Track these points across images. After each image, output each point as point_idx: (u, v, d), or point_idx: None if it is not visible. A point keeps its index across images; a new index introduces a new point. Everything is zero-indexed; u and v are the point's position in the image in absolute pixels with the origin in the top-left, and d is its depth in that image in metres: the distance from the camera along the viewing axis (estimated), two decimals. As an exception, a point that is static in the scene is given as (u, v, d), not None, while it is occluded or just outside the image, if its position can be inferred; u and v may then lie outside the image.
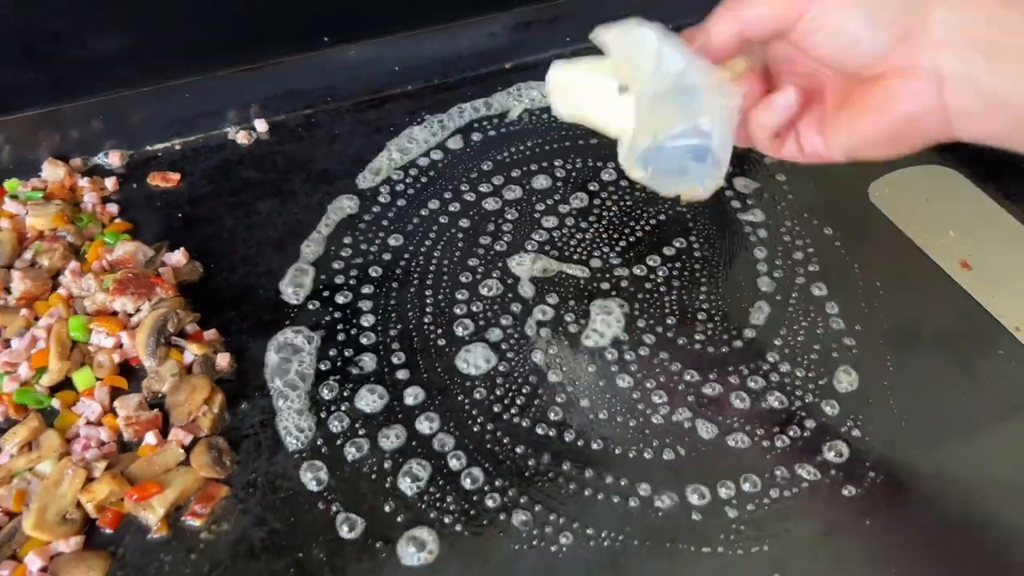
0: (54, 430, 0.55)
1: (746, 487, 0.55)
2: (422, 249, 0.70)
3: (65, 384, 0.59)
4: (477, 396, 0.60)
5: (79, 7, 0.75)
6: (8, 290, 0.63)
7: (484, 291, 0.67)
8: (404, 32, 0.83)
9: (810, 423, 0.59)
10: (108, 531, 0.52)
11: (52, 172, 0.73)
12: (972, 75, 0.42)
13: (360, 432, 0.57)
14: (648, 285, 0.68)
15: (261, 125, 0.80)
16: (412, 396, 0.59)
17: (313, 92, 0.82)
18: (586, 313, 0.65)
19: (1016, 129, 0.43)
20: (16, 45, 0.75)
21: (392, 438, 0.57)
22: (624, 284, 0.68)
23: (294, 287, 0.66)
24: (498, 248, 0.70)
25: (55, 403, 0.57)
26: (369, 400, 0.59)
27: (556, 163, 0.78)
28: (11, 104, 0.77)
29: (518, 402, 0.59)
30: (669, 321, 0.65)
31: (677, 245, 0.71)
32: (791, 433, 0.58)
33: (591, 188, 0.76)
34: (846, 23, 0.43)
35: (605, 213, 0.74)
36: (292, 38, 0.81)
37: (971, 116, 0.43)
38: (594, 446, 0.57)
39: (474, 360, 0.62)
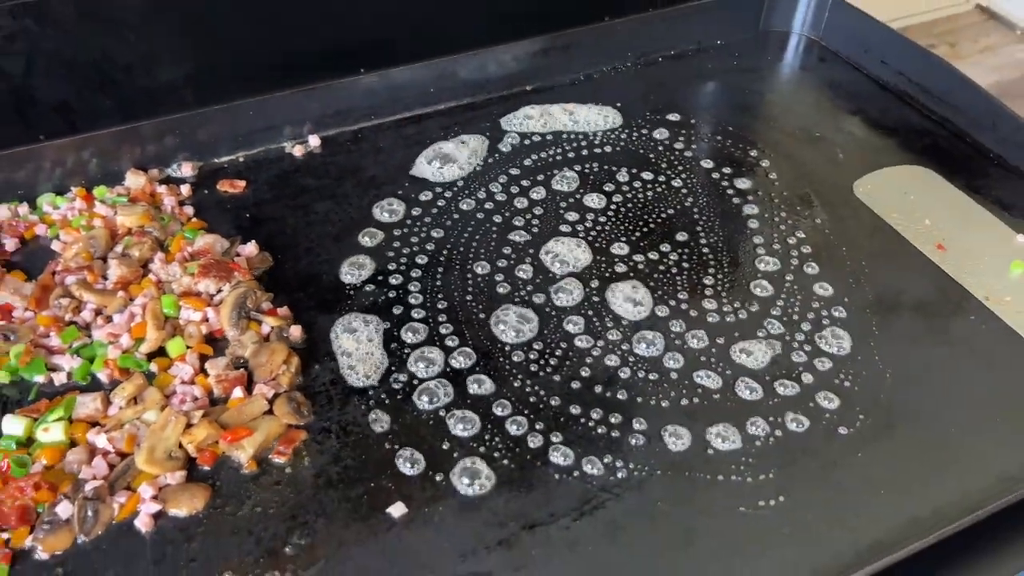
0: (155, 387, 0.64)
1: (752, 429, 0.64)
2: (462, 240, 0.80)
3: (160, 353, 0.68)
4: (516, 358, 0.69)
5: (147, 43, 0.86)
6: (105, 277, 0.73)
7: (519, 274, 0.76)
8: (438, 58, 0.94)
9: (807, 377, 0.68)
10: (206, 468, 0.61)
11: (134, 180, 0.83)
12: None
13: (417, 388, 0.66)
14: (661, 268, 0.77)
15: (314, 140, 0.90)
16: (460, 359, 0.68)
17: (359, 111, 0.92)
18: (609, 291, 0.74)
19: None
20: (95, 75, 0.86)
21: (442, 396, 0.66)
22: (640, 267, 0.77)
23: (352, 273, 0.76)
24: (528, 238, 0.80)
25: (153, 367, 0.66)
26: (423, 361, 0.68)
27: (575, 168, 0.88)
28: (90, 126, 0.87)
29: (552, 363, 0.68)
30: (681, 296, 0.74)
31: (685, 235, 0.81)
32: (791, 385, 0.67)
33: (607, 188, 0.86)
34: None
35: (621, 209, 0.83)
36: (338, 66, 0.93)
37: None
38: (620, 396, 0.66)
39: (512, 329, 0.71)
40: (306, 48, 0.91)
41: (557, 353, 0.69)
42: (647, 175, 0.88)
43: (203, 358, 0.67)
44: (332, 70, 0.92)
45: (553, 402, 0.65)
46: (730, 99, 1.00)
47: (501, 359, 0.69)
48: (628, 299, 0.74)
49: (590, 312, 0.73)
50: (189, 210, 0.81)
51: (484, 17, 0.98)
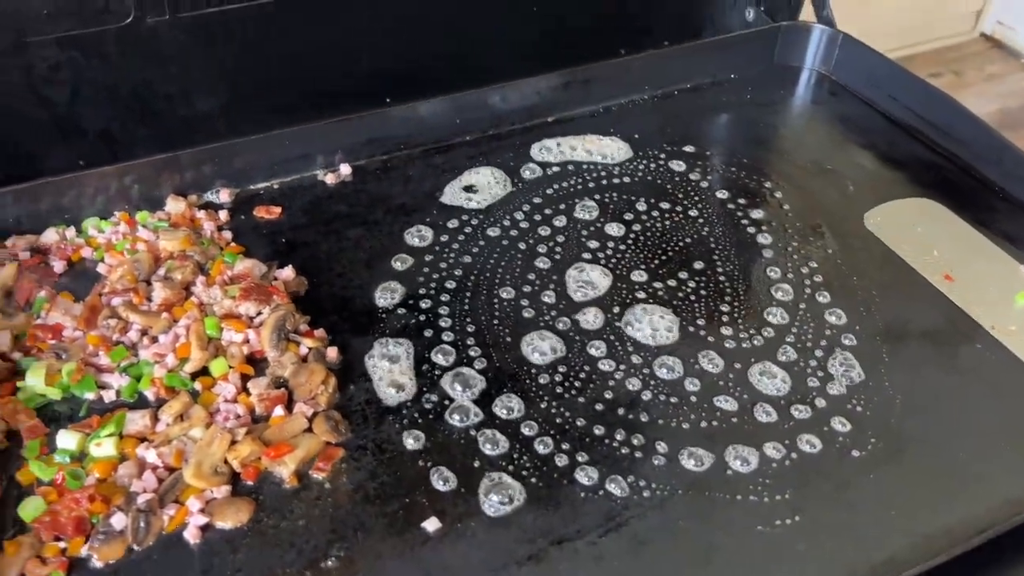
0: (199, 405, 0.68)
1: (769, 451, 0.67)
2: (488, 265, 0.83)
3: (203, 372, 0.71)
4: (542, 380, 0.72)
5: (187, 75, 0.90)
6: (149, 299, 0.76)
7: (544, 299, 0.80)
8: (464, 91, 0.98)
9: (820, 402, 0.71)
10: (249, 483, 0.64)
11: (175, 206, 0.87)
12: None
13: (448, 408, 0.69)
14: (680, 295, 0.80)
15: (346, 168, 0.94)
16: (488, 380, 0.72)
17: (389, 140, 0.96)
18: (630, 316, 0.78)
19: None
20: (137, 105, 0.90)
21: (472, 415, 0.69)
22: (660, 294, 0.80)
23: (384, 297, 0.79)
24: (551, 265, 0.83)
25: (197, 386, 0.70)
26: (453, 382, 0.71)
27: (595, 197, 0.92)
28: (131, 154, 0.91)
29: (576, 385, 0.72)
30: (700, 322, 0.78)
31: (702, 263, 0.84)
32: (805, 409, 0.70)
33: (626, 217, 0.89)
34: None
35: (640, 237, 0.87)
36: (368, 97, 0.97)
37: None
38: (642, 418, 0.69)
39: (538, 352, 0.74)
40: (337, 80, 0.96)
41: (581, 376, 0.72)
42: (664, 205, 0.91)
43: (244, 377, 0.71)
44: (362, 102, 0.96)
45: (579, 423, 0.68)
46: (744, 132, 1.04)
47: (528, 381, 0.72)
48: (648, 325, 0.77)
49: (612, 337, 0.76)
50: (227, 235, 0.85)
51: (508, 52, 1.02)
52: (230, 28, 0.89)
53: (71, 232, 0.84)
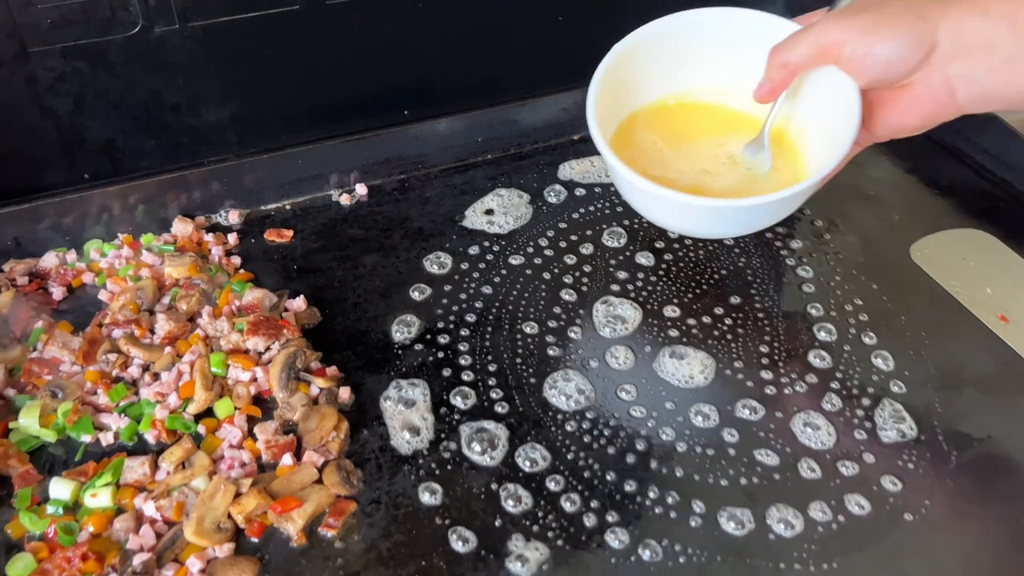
0: (203, 451, 0.63)
1: (814, 512, 0.62)
2: (511, 297, 0.78)
3: (207, 414, 0.67)
4: (569, 428, 0.67)
5: (196, 85, 0.86)
6: (152, 331, 0.72)
7: (571, 335, 0.75)
8: (486, 108, 0.93)
9: (868, 457, 0.66)
10: (254, 540, 0.59)
11: (181, 228, 0.83)
12: (974, 77, 0.58)
13: (467, 458, 0.65)
14: (715, 333, 0.75)
15: (361, 188, 0.89)
16: (511, 427, 0.67)
17: (406, 159, 0.92)
18: (662, 357, 0.73)
19: (1013, 107, 0.60)
20: (143, 116, 0.86)
21: (496, 464, 0.64)
22: (694, 332, 0.75)
23: (400, 330, 0.75)
24: (578, 297, 0.78)
25: (200, 429, 0.65)
26: (473, 429, 0.66)
27: (624, 222, 0.87)
28: (135, 167, 0.87)
29: (606, 433, 0.67)
30: (737, 364, 0.72)
31: (739, 298, 0.79)
32: (852, 465, 0.65)
33: (657, 246, 0.84)
34: (886, 51, 0.58)
35: (672, 268, 0.82)
36: (385, 113, 0.92)
37: (978, 105, 0.60)
38: (677, 473, 0.64)
39: (564, 396, 0.69)
40: (353, 94, 0.91)
41: (611, 423, 0.68)
42: (698, 232, 0.86)
43: (251, 419, 0.66)
44: (378, 116, 0.92)
45: (608, 477, 0.64)
46: (781, 153, 0.98)
47: (553, 428, 0.67)
48: (682, 366, 0.72)
49: (643, 379, 0.71)
50: (236, 260, 0.81)
51: (532, 67, 0.97)
52: (241, 39, 0.85)
53: (72, 255, 0.80)
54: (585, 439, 0.66)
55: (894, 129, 0.64)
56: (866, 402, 0.70)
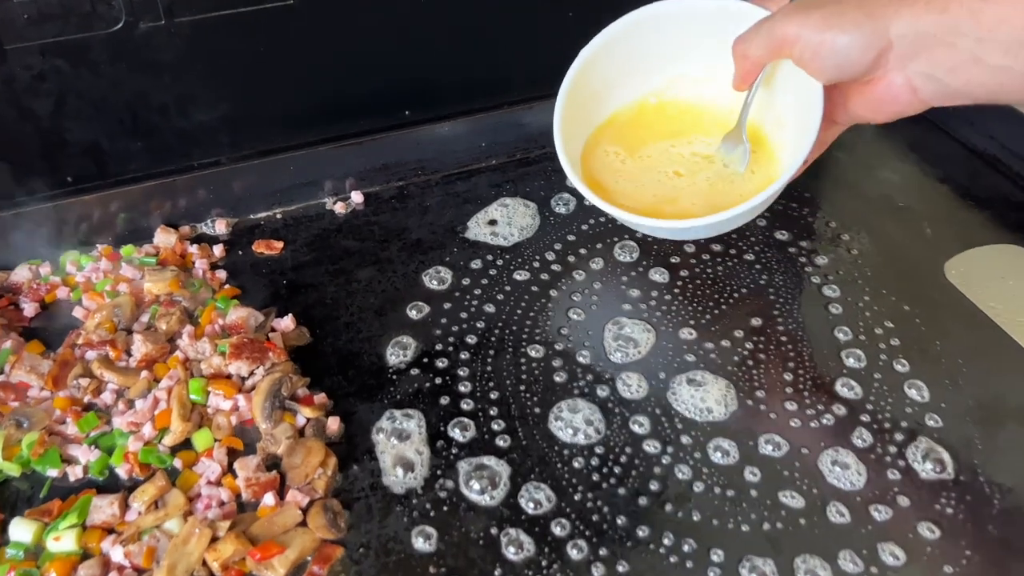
0: (178, 489, 0.58)
1: (844, 562, 0.56)
2: (515, 317, 0.73)
3: (184, 444, 0.62)
4: (576, 465, 0.62)
5: (184, 85, 0.80)
6: (129, 352, 0.67)
7: (579, 359, 0.69)
8: (491, 110, 0.88)
9: (902, 500, 0.60)
10: (231, 589, 0.54)
11: (164, 239, 0.78)
12: (935, 76, 0.55)
13: (466, 498, 0.59)
14: (735, 359, 0.70)
15: (357, 196, 0.84)
16: (513, 463, 0.62)
17: (405, 166, 0.86)
18: (678, 384, 0.67)
19: (982, 102, 0.56)
20: (129, 118, 0.81)
21: (496, 504, 0.59)
22: (712, 357, 0.70)
23: (396, 353, 0.69)
24: (587, 317, 0.73)
25: (177, 463, 0.60)
26: (472, 466, 0.61)
27: (636, 235, 0.81)
28: (122, 170, 0.82)
29: (616, 471, 0.61)
30: (759, 394, 0.67)
31: (760, 320, 0.73)
32: (885, 510, 0.59)
33: (672, 261, 0.79)
34: (834, 53, 0.56)
35: (688, 286, 0.76)
36: (383, 115, 0.87)
37: (944, 102, 0.57)
38: (694, 517, 0.59)
39: (572, 429, 0.64)
40: (350, 95, 0.86)
41: (622, 460, 0.62)
42: (716, 246, 0.80)
43: (232, 452, 0.61)
44: (377, 118, 0.86)
45: (619, 521, 0.58)
46: (804, 160, 0.92)
47: (559, 465, 0.62)
48: (700, 395, 0.66)
49: (657, 410, 0.66)
50: (222, 274, 0.76)
51: (540, 66, 0.91)
52: (232, 35, 0.79)
53: (46, 269, 0.75)
54: (594, 478, 0.61)
55: (865, 119, 0.63)
56: (899, 437, 0.64)
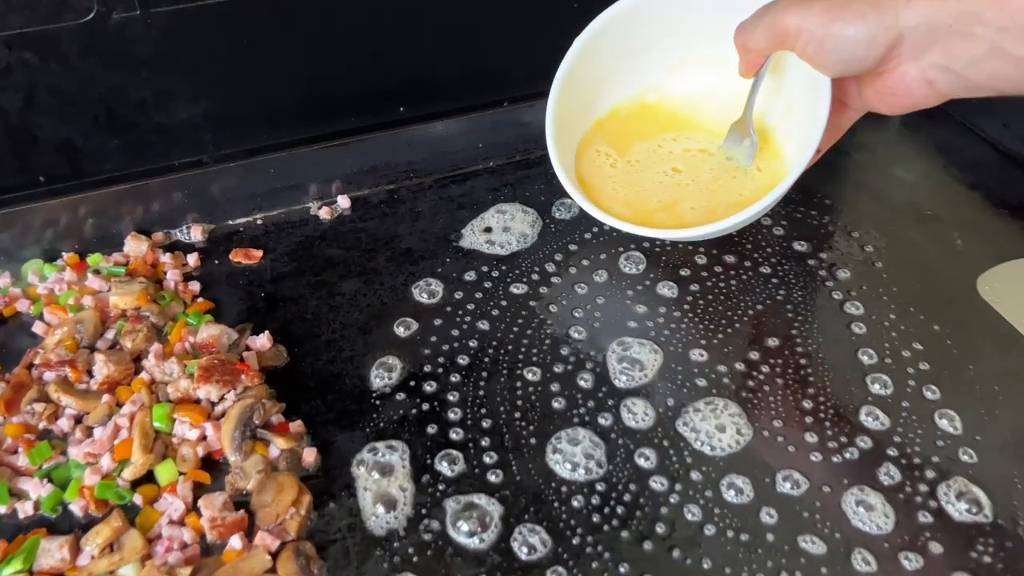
0: (136, 530, 0.53)
1: (871, 618, 0.51)
2: (510, 335, 0.67)
3: (147, 476, 0.57)
4: (575, 504, 0.56)
5: (163, 79, 0.75)
6: (90, 373, 0.62)
7: (580, 383, 0.64)
8: (489, 108, 0.82)
9: (935, 547, 0.54)
10: (191, 645, 0.49)
11: (135, 247, 0.72)
12: (953, 70, 0.51)
13: (453, 541, 0.54)
14: (751, 384, 0.64)
15: (343, 201, 0.79)
16: (505, 502, 0.56)
17: (396, 167, 0.81)
18: (688, 413, 0.62)
19: (1005, 94, 0.52)
20: (104, 114, 0.75)
21: (486, 548, 0.54)
22: (725, 382, 0.64)
23: (380, 376, 0.64)
24: (588, 336, 0.67)
25: (137, 498, 0.55)
26: (460, 505, 0.56)
27: (644, 245, 0.75)
28: (98, 169, 0.77)
29: (619, 512, 0.56)
30: (776, 424, 0.61)
31: (777, 340, 0.67)
32: (915, 558, 0.54)
33: (682, 274, 0.73)
34: (838, 48, 0.53)
35: (699, 301, 0.71)
36: (375, 113, 0.81)
37: (963, 94, 0.53)
38: (705, 565, 0.53)
39: (570, 463, 0.58)
40: (339, 91, 0.80)
41: (626, 499, 0.57)
42: (729, 258, 0.75)
43: (198, 486, 0.56)
44: (369, 115, 0.80)
45: (622, 570, 0.53)
46: (824, 164, 0.86)
47: (557, 504, 0.56)
48: (711, 425, 0.61)
49: (665, 442, 0.60)
50: (195, 286, 0.70)
51: (542, 61, 0.85)
52: (212, 27, 0.74)
53: (5, 279, 0.69)
54: (594, 519, 0.55)
55: (879, 111, 0.59)
56: (930, 474, 0.58)
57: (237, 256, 0.73)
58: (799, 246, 0.76)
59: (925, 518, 0.56)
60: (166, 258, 0.72)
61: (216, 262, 0.73)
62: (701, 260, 0.74)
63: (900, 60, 0.53)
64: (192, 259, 0.72)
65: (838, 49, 0.53)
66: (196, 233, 0.75)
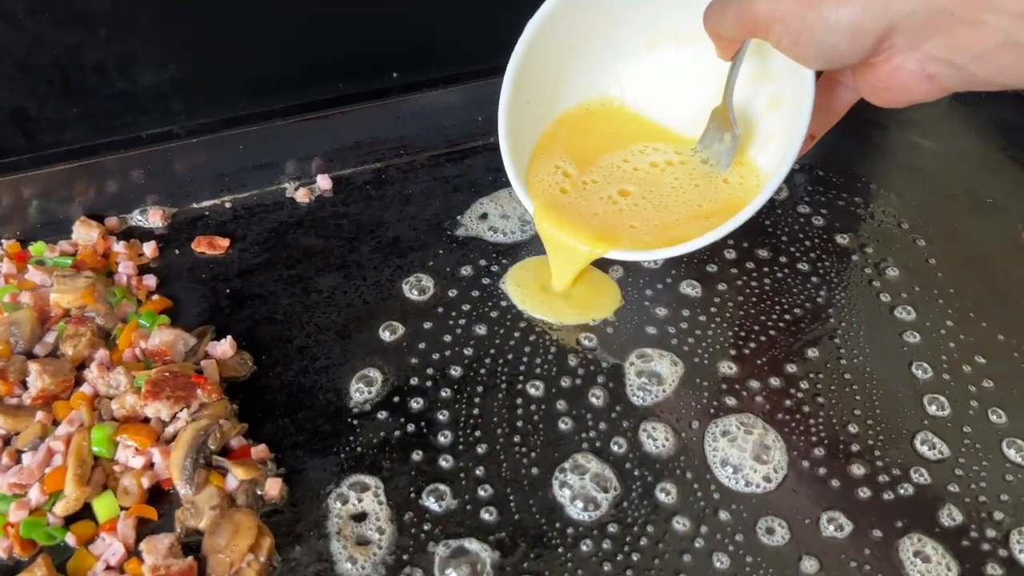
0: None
1: None
2: (510, 342, 0.59)
3: (83, 511, 0.49)
4: (584, 549, 0.48)
5: (127, 37, 0.66)
6: (24, 384, 0.53)
7: (592, 400, 0.55)
8: (490, 76, 0.72)
9: (1007, 605, 0.46)
10: None
11: (84, 234, 0.64)
12: (957, 64, 0.43)
13: (439, 594, 0.46)
14: (788, 403, 0.55)
15: (324, 181, 0.70)
16: (502, 547, 0.48)
17: (384, 143, 0.72)
18: (715, 438, 0.53)
19: (1017, 87, 0.44)
20: (57, 77, 0.66)
21: (477, 600, 0.46)
22: (758, 400, 0.55)
23: (360, 390, 0.55)
24: (600, 344, 0.59)
25: (69, 539, 0.47)
26: (449, 550, 0.48)
27: (665, 237, 0.66)
28: (55, 141, 0.68)
29: (635, 560, 0.48)
30: (817, 452, 0.53)
31: (817, 351, 0.59)
32: (985, 620, 0.46)
33: (708, 271, 0.64)
34: (817, 43, 0.45)
35: (728, 304, 0.62)
36: (368, 77, 0.72)
37: (968, 88, 0.45)
38: (735, 630, 0.45)
39: (580, 499, 0.50)
40: (326, 54, 0.71)
41: (642, 542, 0.48)
42: (763, 253, 0.65)
43: (141, 522, 0.48)
44: (355, 83, 0.71)
45: (636, 633, 0.45)
46: (869, 144, 0.77)
47: (561, 550, 0.48)
48: (742, 454, 0.52)
49: (689, 474, 0.52)
50: (151, 280, 0.61)
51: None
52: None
53: (-66, 274, 0.61)
54: (606, 568, 0.47)
55: (875, 103, 0.51)
56: (998, 516, 0.50)
57: (200, 245, 0.64)
58: (841, 239, 0.67)
59: (994, 570, 0.48)
60: (119, 247, 0.63)
61: (176, 252, 0.64)
62: (730, 255, 0.65)
63: (893, 52, 0.45)
64: (149, 248, 0.64)
65: (817, 42, 0.45)
66: (155, 218, 0.66)
